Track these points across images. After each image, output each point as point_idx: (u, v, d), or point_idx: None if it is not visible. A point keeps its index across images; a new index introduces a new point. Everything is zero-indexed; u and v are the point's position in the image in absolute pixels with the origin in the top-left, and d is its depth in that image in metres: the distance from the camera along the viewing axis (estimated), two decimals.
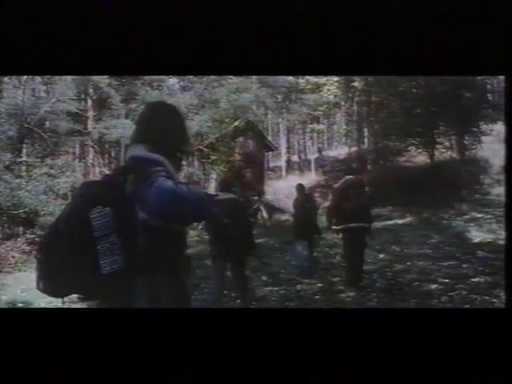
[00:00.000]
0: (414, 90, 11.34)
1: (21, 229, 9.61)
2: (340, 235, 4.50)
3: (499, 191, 8.42)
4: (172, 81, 13.10)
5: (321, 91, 16.17)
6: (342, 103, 16.86)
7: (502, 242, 3.24)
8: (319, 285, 4.81)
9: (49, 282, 1.03)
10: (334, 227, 4.36)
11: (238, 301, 3.72)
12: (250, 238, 3.72)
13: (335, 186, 4.98)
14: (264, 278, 5.47)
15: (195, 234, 9.26)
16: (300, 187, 5.72)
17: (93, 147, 11.72)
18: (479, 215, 8.31)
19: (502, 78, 1.84)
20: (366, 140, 15.34)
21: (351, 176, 4.42)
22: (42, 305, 4.76)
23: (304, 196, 5.66)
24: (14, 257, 8.52)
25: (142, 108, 1.37)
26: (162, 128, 1.20)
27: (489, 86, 12.23)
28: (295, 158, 19.10)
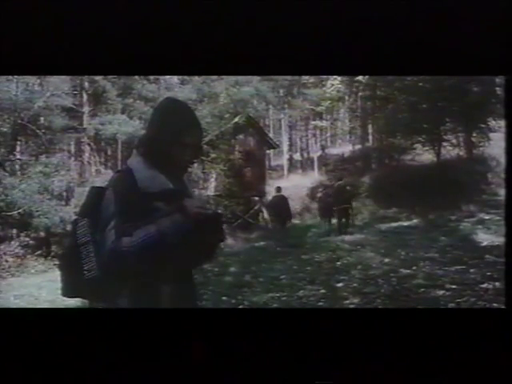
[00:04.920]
0: (420, 84, 10.99)
1: (14, 231, 9.39)
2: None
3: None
4: None
5: (324, 86, 15.84)
6: (346, 98, 16.53)
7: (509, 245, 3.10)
8: (322, 291, 4.72)
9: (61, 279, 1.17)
10: (334, 208, 8.62)
11: (240, 306, 4.14)
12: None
13: (335, 184, 9.22)
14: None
15: None
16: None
17: (89, 144, 11.46)
18: (487, 217, 8.15)
19: None
20: (370, 137, 15.06)
21: (340, 182, 8.92)
22: None
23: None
24: (7, 261, 8.35)
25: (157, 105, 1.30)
26: (172, 134, 1.16)
27: (498, 80, 11.83)
28: (297, 156, 18.77)
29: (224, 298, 4.70)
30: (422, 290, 4.19)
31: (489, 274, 4.40)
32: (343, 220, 8.56)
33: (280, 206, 8.24)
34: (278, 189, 8.96)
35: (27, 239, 8.86)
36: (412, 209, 9.64)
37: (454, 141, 11.91)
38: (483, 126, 11.03)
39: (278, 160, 18.31)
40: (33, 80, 10.56)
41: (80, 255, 1.08)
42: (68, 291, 1.15)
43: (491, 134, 11.11)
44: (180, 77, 12.79)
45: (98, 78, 11.04)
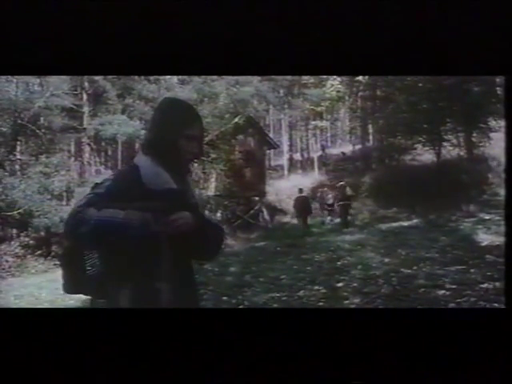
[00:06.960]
0: (421, 84, 10.98)
1: (14, 231, 9.38)
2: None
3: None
4: None
5: (324, 86, 15.82)
6: (346, 98, 16.51)
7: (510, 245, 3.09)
8: (323, 291, 4.71)
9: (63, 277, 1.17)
10: (336, 204, 10.07)
11: (241, 306, 4.20)
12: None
13: (337, 184, 10.28)
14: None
15: None
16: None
17: (89, 144, 11.45)
18: (487, 217, 8.12)
19: None
20: (370, 137, 15.05)
21: (342, 183, 10.12)
22: None
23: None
24: (7, 261, 8.34)
25: (158, 105, 1.34)
26: (177, 133, 1.19)
27: (498, 80, 11.79)
28: (298, 156, 18.75)
29: (224, 297, 4.68)
30: (423, 289, 4.15)
31: (489, 273, 4.35)
32: (343, 216, 9.65)
33: (304, 204, 9.62)
34: (301, 190, 10.09)
35: (27, 239, 8.86)
36: (412, 209, 9.62)
37: (455, 141, 11.88)
38: (483, 125, 11.01)
39: (278, 160, 18.27)
40: (33, 80, 10.56)
41: (82, 252, 1.09)
42: (70, 288, 1.15)
43: (491, 134, 11.09)
44: (180, 77, 12.77)
45: (97, 78, 11.02)
